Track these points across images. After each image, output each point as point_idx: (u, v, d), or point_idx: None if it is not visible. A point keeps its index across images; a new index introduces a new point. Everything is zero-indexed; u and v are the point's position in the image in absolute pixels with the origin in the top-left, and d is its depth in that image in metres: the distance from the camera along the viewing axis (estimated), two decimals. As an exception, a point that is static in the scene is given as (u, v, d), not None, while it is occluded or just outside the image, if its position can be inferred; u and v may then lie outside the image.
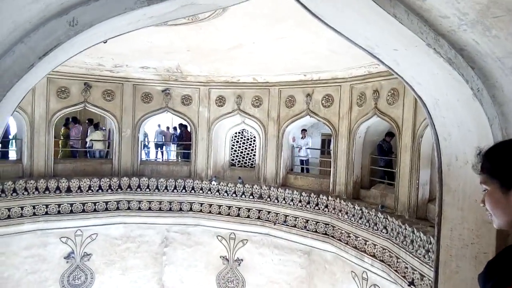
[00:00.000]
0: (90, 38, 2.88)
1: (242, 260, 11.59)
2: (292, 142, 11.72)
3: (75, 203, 11.08)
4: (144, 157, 14.22)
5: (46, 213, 10.75)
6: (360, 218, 8.80)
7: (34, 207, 10.60)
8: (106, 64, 10.85)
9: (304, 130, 11.93)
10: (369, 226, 8.52)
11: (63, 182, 10.95)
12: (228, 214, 11.50)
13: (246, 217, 11.30)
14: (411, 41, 2.31)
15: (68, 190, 11.00)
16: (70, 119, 13.70)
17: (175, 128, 18.11)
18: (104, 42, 7.37)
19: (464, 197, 2.77)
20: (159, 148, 17.30)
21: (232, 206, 11.48)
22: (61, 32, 2.40)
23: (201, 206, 11.78)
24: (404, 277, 7.30)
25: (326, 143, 12.46)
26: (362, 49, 2.70)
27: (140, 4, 2.45)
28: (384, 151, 9.36)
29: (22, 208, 10.44)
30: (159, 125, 17.83)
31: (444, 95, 2.66)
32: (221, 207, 11.59)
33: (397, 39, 2.42)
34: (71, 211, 11.03)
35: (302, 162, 12.24)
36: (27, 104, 10.86)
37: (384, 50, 2.67)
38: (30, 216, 10.54)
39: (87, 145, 13.89)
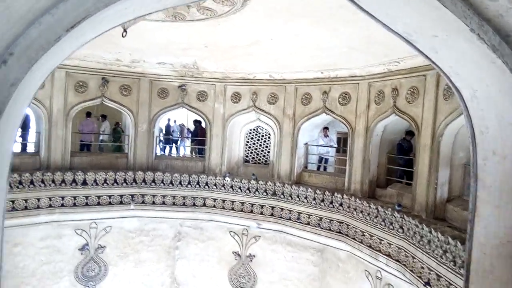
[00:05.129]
0: (118, 14, 2.74)
1: (254, 256, 11.60)
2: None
3: (90, 196, 11.21)
4: (159, 152, 14.31)
5: (62, 205, 10.89)
6: (376, 217, 8.73)
7: (50, 199, 10.75)
8: (123, 59, 10.94)
9: (325, 128, 11.84)
10: (385, 225, 8.46)
11: (79, 175, 11.08)
12: (241, 210, 11.52)
13: (259, 214, 11.30)
14: (453, 26, 2.23)
15: (84, 183, 11.13)
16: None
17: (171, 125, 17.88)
18: (123, 36, 7.43)
19: (501, 194, 2.70)
20: (173, 144, 17.33)
21: (245, 203, 11.49)
22: (90, 4, 2.29)
23: (215, 201, 11.82)
24: (419, 277, 7.24)
25: (341, 141, 12.38)
26: (398, 35, 2.63)
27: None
28: (404, 150, 9.25)
29: (38, 199, 10.60)
30: (169, 120, 17.68)
31: (484, 86, 2.58)
32: (234, 203, 11.62)
33: (438, 24, 2.34)
34: (87, 204, 11.16)
35: (320, 160, 12.16)
36: (45, 98, 11.01)
37: (422, 37, 2.59)
38: (46, 207, 10.69)
39: (100, 139, 14.11)
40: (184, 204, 11.85)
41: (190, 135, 16.35)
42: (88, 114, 13.36)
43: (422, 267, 7.16)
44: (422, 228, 7.23)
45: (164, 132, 17.41)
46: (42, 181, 10.66)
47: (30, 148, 12.36)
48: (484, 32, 2.26)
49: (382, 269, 8.56)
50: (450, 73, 2.77)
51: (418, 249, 7.32)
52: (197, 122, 13.82)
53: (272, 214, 11.15)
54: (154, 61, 11.06)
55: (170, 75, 11.95)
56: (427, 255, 7.01)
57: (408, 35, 2.63)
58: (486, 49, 2.31)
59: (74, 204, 11.05)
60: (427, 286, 6.99)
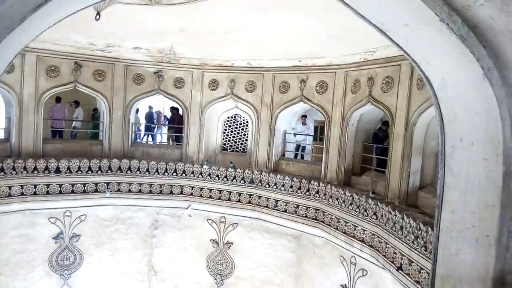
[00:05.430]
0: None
1: (232, 243, 11.68)
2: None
3: (64, 184, 10.96)
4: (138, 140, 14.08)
5: (35, 193, 10.62)
6: (351, 204, 8.91)
7: (22, 187, 10.47)
8: (97, 44, 10.63)
9: (304, 116, 11.92)
10: (359, 212, 8.65)
11: (52, 162, 10.80)
12: (219, 198, 11.53)
13: (237, 201, 11.34)
14: (424, 15, 2.27)
15: (57, 170, 10.86)
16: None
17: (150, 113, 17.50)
18: (97, 20, 7.18)
19: (467, 180, 2.82)
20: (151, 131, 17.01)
21: (223, 190, 11.50)
22: None
23: (192, 189, 11.77)
24: (392, 262, 7.46)
25: (318, 129, 12.50)
26: (371, 24, 2.66)
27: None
28: (379, 140, 9.44)
29: (10, 187, 10.30)
30: (149, 107, 17.41)
31: (453, 76, 2.66)
32: (212, 191, 11.61)
33: (409, 13, 2.38)
34: (60, 192, 10.91)
35: (298, 148, 12.26)
36: (15, 82, 10.62)
37: (394, 25, 2.63)
38: (18, 196, 10.42)
39: (72, 125, 13.74)
40: (161, 192, 11.76)
41: (167, 122, 16.11)
42: (58, 99, 12.88)
43: (395, 253, 7.38)
44: (395, 215, 7.43)
45: (145, 120, 17.06)
46: (13, 169, 10.35)
47: (0, 135, 11.94)
48: (453, 22, 2.31)
49: (357, 254, 8.78)
50: (421, 62, 2.83)
51: (391, 235, 7.52)
52: (174, 109, 13.65)
53: (249, 202, 11.21)
54: (130, 46, 10.81)
55: (146, 61, 11.71)
56: (400, 240, 7.22)
57: (380, 24, 2.66)
58: (455, 39, 2.36)
59: (47, 192, 10.79)
60: (399, 271, 7.21)
